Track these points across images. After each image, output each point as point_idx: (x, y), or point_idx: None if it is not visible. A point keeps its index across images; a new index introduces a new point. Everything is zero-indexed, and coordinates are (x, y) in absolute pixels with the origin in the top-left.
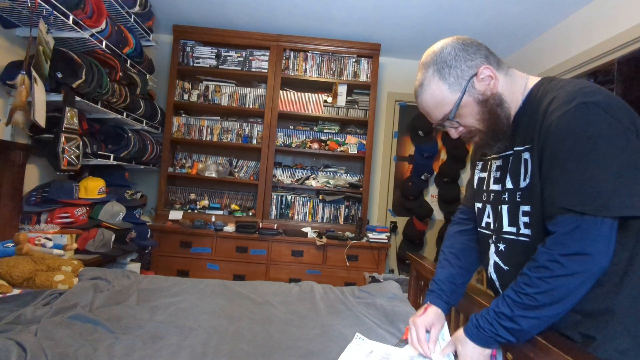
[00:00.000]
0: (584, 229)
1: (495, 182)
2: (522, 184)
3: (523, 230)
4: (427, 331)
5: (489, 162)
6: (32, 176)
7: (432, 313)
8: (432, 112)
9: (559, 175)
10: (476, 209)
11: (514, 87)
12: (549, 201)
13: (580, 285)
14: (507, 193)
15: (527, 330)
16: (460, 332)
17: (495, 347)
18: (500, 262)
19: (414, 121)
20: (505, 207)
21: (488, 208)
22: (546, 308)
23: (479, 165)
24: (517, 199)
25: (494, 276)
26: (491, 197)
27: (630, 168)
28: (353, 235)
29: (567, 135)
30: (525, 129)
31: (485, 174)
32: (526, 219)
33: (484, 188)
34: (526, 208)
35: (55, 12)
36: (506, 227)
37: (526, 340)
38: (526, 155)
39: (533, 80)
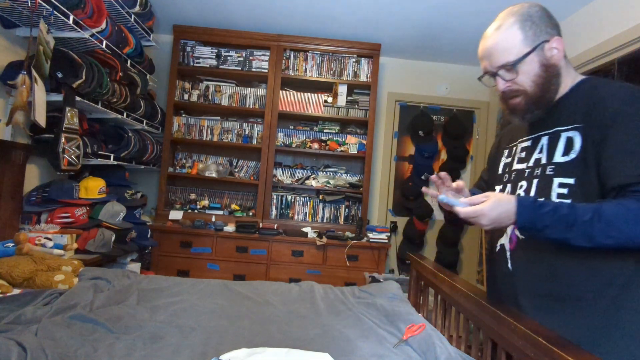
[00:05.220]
0: None
1: (518, 162)
2: (561, 159)
3: (557, 201)
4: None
5: (515, 147)
6: (33, 176)
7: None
8: (495, 56)
9: (634, 147)
10: (497, 190)
11: (567, 72)
12: (619, 170)
13: None
14: (540, 168)
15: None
16: (509, 196)
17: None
18: (517, 232)
19: (414, 121)
20: (535, 181)
21: (508, 187)
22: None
23: (505, 152)
24: (549, 172)
25: (507, 246)
26: (513, 175)
27: None
28: (353, 235)
29: (634, 115)
30: (573, 112)
31: (509, 159)
32: (563, 190)
33: (507, 170)
34: (567, 180)
35: (55, 12)
36: None
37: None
38: (571, 134)
39: (581, 75)
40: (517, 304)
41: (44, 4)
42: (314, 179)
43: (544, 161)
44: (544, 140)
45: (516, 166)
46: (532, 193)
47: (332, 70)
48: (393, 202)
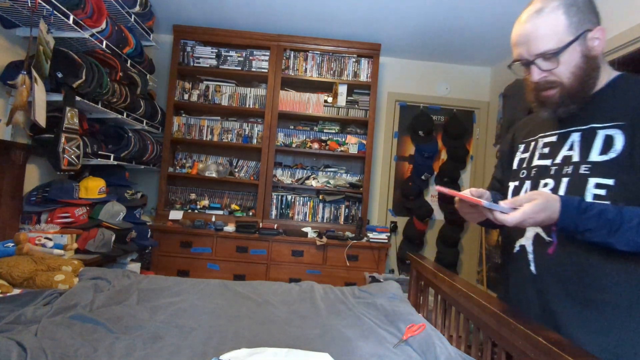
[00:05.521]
0: None
1: (541, 158)
2: (598, 159)
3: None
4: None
5: (534, 142)
6: (33, 176)
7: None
8: (535, 42)
9: None
10: (512, 187)
11: (603, 66)
12: None
13: None
14: (571, 166)
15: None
16: (554, 195)
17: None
18: (542, 234)
19: (414, 121)
20: (565, 180)
21: (526, 184)
22: None
23: (521, 147)
24: (583, 171)
25: (529, 248)
26: (533, 172)
27: None
28: (353, 235)
29: None
30: (612, 109)
31: (527, 155)
32: (601, 192)
33: (524, 166)
34: (605, 181)
35: (55, 12)
36: None
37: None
38: (611, 132)
39: (615, 71)
40: (545, 308)
41: (44, 4)
42: (314, 179)
43: (576, 159)
44: (575, 137)
45: (537, 162)
46: (562, 192)
47: (332, 70)
48: (393, 202)
